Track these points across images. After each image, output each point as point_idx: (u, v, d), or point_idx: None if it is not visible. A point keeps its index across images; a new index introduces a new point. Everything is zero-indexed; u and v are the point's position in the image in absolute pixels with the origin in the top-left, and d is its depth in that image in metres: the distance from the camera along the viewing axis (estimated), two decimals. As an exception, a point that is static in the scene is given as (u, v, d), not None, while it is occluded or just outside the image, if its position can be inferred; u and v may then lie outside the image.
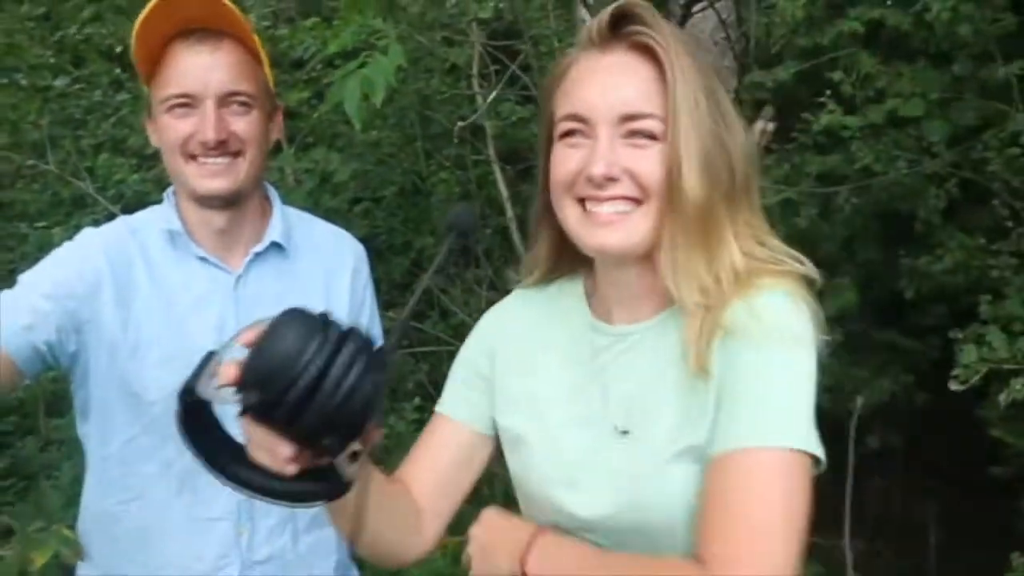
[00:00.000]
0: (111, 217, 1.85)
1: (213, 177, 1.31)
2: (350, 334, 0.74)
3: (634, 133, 0.93)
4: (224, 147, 1.31)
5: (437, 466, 1.10)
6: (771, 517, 0.87)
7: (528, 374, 1.09)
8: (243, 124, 1.32)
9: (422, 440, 1.14)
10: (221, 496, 1.34)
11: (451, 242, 0.95)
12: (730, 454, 0.91)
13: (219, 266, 1.38)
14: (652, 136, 0.93)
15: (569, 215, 0.98)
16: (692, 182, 0.91)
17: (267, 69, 1.40)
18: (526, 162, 4.44)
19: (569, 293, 1.10)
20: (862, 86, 3.66)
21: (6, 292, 1.31)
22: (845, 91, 3.63)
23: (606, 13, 0.95)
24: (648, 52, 0.94)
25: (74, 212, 4.38)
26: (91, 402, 1.37)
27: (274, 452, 0.77)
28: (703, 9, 2.57)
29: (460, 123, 3.06)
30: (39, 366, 1.29)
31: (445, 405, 1.15)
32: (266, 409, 0.72)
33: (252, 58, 1.36)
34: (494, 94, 2.86)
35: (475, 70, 3.57)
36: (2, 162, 4.07)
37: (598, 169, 0.92)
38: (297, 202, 3.80)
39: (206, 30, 1.30)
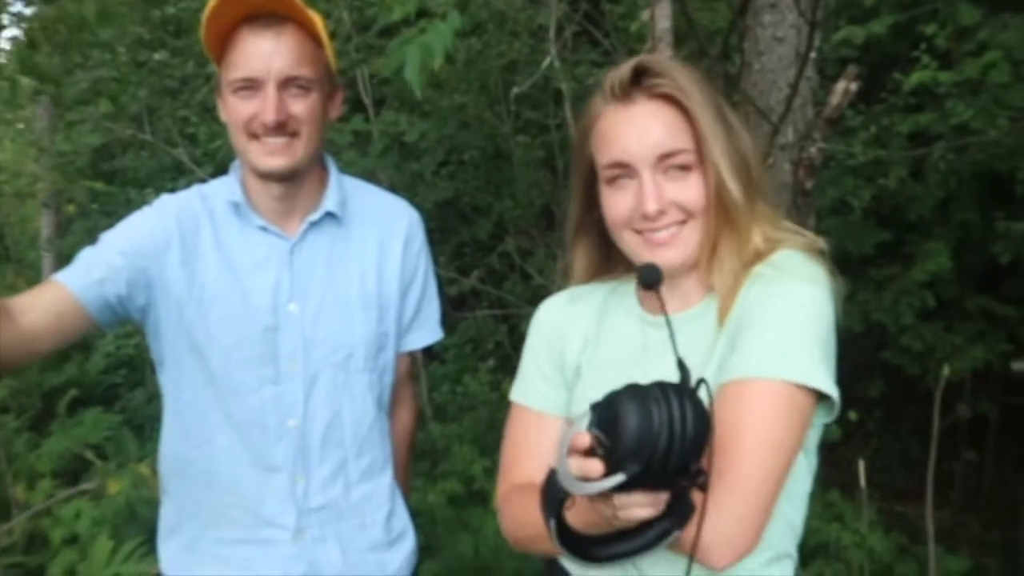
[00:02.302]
0: (204, 181, 1.96)
1: (272, 155, 1.39)
2: (667, 385, 0.84)
3: (671, 168, 1.07)
4: (283, 128, 1.38)
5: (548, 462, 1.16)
6: (755, 442, 0.95)
7: (592, 367, 1.20)
8: (301, 106, 1.39)
9: (524, 439, 1.23)
10: (279, 447, 1.45)
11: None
12: (730, 384, 1.00)
13: (277, 234, 1.47)
14: (686, 167, 1.08)
15: (630, 243, 1.12)
16: (737, 193, 1.07)
17: (328, 52, 1.46)
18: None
19: (622, 292, 1.23)
20: (959, 39, 3.48)
21: (87, 248, 1.44)
22: (939, 45, 3.46)
23: (626, 69, 1.09)
24: (668, 98, 1.08)
25: (179, 177, 4.63)
26: (164, 354, 1.49)
27: (644, 506, 0.86)
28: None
29: (515, 88, 3.05)
30: (111, 317, 1.42)
31: (531, 398, 1.24)
32: (646, 473, 0.82)
33: (314, 42, 1.42)
34: (554, 52, 2.80)
35: (552, 33, 3.56)
36: (107, 133, 4.31)
37: (650, 207, 1.07)
38: (375, 162, 3.93)
39: (271, 15, 1.37)
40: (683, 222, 1.08)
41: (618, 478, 0.82)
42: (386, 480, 1.55)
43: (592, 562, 0.99)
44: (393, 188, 3.68)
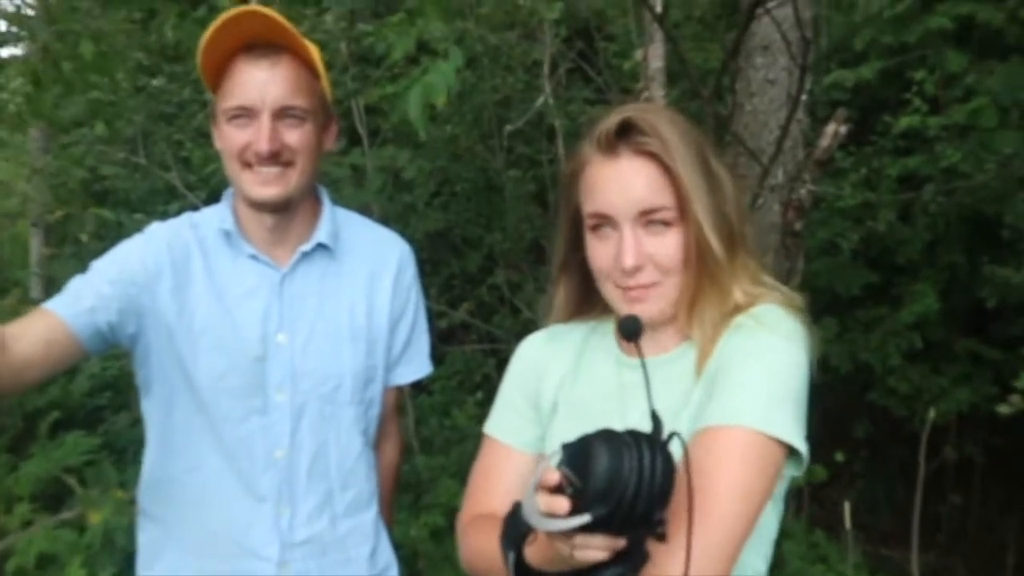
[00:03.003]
0: (196, 207, 1.96)
1: (265, 185, 1.40)
2: (639, 434, 0.85)
3: (652, 223, 1.09)
4: (277, 158, 1.39)
5: (512, 496, 1.15)
6: (726, 487, 0.96)
7: (567, 405, 1.21)
8: (296, 136, 1.40)
9: (491, 470, 1.24)
10: (265, 477, 1.44)
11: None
12: (703, 431, 1.01)
13: (268, 263, 1.47)
14: (667, 223, 1.09)
15: (611, 294, 1.14)
16: (718, 248, 1.08)
17: (324, 82, 1.48)
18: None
19: (601, 332, 1.24)
20: (947, 85, 3.53)
21: (78, 277, 1.43)
22: (928, 90, 3.51)
23: (612, 123, 1.10)
24: (653, 156, 1.09)
25: (171, 201, 4.63)
26: (152, 380, 1.48)
27: (601, 549, 0.87)
28: (777, 7, 2.53)
29: (509, 126, 3.08)
30: (101, 344, 1.41)
31: (503, 432, 1.25)
32: (611, 517, 0.83)
33: (309, 72, 1.43)
34: (548, 90, 2.84)
35: (546, 70, 3.60)
36: (101, 155, 4.31)
37: (628, 262, 1.08)
38: (372, 197, 3.95)
39: (267, 45, 1.39)
40: (658, 280, 1.10)
41: (584, 519, 0.83)
42: (371, 515, 1.54)
43: None
44: (385, 219, 3.70)
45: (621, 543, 0.87)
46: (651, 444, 0.84)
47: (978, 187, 3.54)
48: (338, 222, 1.53)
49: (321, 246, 1.48)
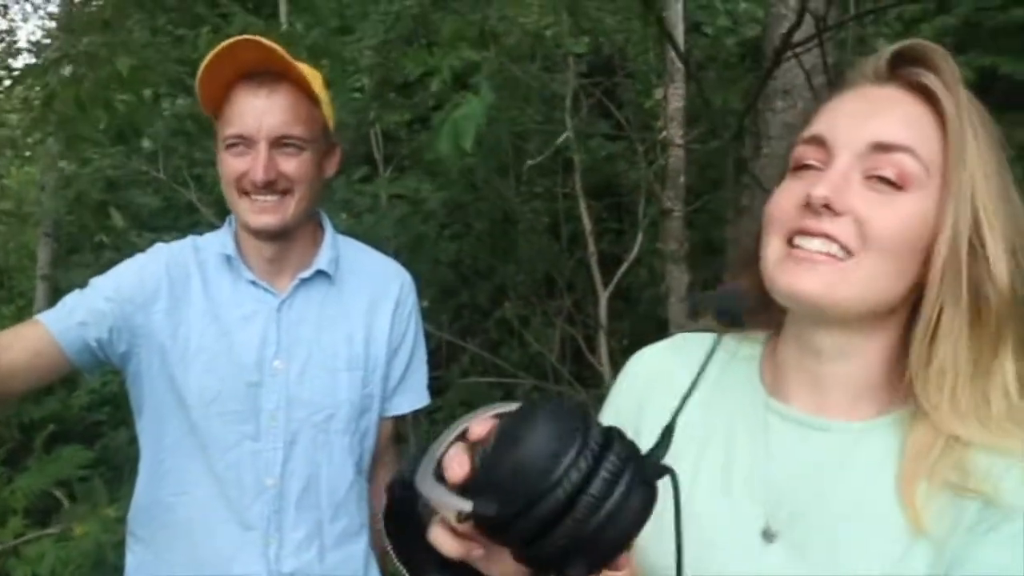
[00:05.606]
0: (211, 223, 1.94)
1: (262, 213, 1.38)
2: (614, 439, 0.60)
3: (880, 179, 0.73)
4: (273, 186, 1.38)
5: None
6: None
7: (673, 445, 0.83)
8: (293, 165, 1.37)
9: None
10: (255, 505, 1.41)
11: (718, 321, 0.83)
12: None
13: (267, 289, 1.45)
14: (900, 184, 0.73)
15: (770, 254, 0.77)
16: (999, 256, 0.71)
17: (326, 110, 1.46)
18: (613, 197, 4.43)
19: (747, 357, 0.88)
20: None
21: (76, 291, 1.43)
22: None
23: (888, 50, 0.79)
24: (927, 95, 0.75)
25: (181, 216, 4.62)
26: (144, 400, 1.46)
27: (455, 547, 0.62)
28: (802, 52, 2.51)
29: (530, 161, 3.07)
30: (90, 360, 1.39)
31: None
32: (502, 523, 0.58)
33: (309, 100, 1.42)
34: (570, 124, 2.82)
35: (568, 103, 3.59)
36: (119, 168, 4.33)
37: (819, 191, 0.73)
38: (387, 227, 3.92)
39: (266, 73, 1.38)
40: (854, 250, 0.73)
41: (459, 503, 0.59)
42: (361, 546, 1.50)
43: None
44: (398, 249, 3.68)
45: (481, 552, 0.61)
46: (628, 456, 0.59)
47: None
48: (339, 249, 1.51)
49: (321, 273, 1.46)
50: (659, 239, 3.56)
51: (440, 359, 4.07)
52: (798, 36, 2.21)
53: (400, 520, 0.69)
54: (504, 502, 0.57)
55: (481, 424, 0.62)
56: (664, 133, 3.33)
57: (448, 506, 0.59)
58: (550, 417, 0.59)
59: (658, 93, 3.52)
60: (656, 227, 3.70)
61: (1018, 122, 3.46)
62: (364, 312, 1.48)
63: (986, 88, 3.67)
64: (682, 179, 3.41)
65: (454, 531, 0.60)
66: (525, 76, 3.69)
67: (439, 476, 0.61)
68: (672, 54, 2.82)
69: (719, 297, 0.79)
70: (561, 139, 3.27)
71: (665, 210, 3.40)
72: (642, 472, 0.59)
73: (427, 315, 3.70)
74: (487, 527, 0.59)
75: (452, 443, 0.63)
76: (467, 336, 4.36)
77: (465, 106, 2.15)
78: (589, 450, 0.58)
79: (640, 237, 3.72)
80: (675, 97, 3.36)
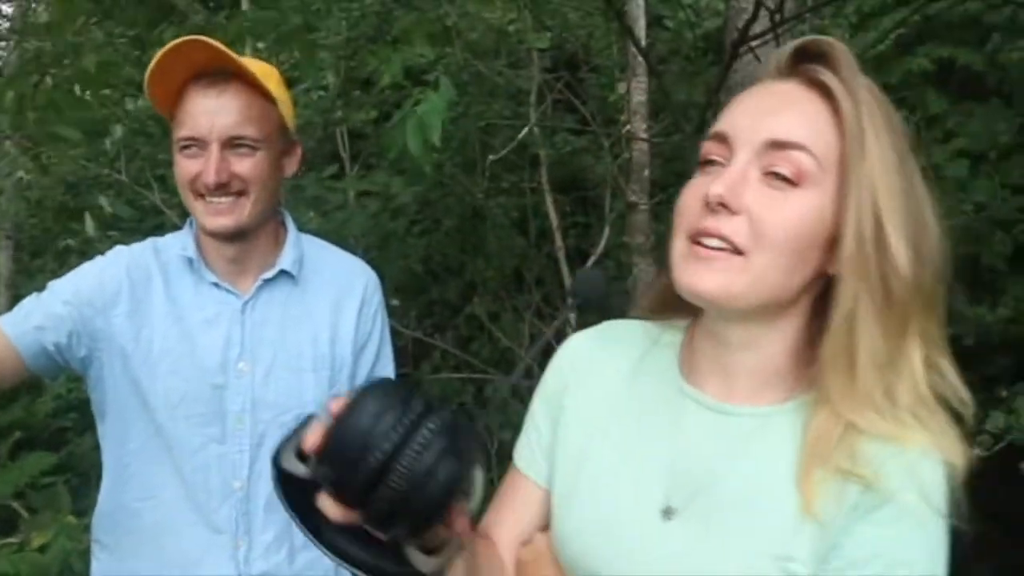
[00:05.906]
0: (175, 225, 1.92)
1: (217, 215, 1.37)
2: (435, 409, 0.66)
3: (776, 175, 0.76)
4: (226, 188, 1.35)
5: (521, 528, 0.96)
6: None
7: (588, 426, 0.92)
8: (247, 166, 1.36)
9: (503, 491, 1.00)
10: (223, 507, 1.40)
11: (572, 306, 0.90)
12: None
13: (230, 291, 1.44)
14: (795, 181, 0.75)
15: (675, 252, 0.80)
16: (901, 250, 0.74)
17: (283, 108, 1.44)
18: (580, 191, 4.45)
19: (669, 344, 0.92)
20: (928, 126, 3.56)
21: (34, 295, 1.41)
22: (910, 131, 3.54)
23: (790, 46, 0.82)
24: (826, 91, 0.78)
25: (145, 218, 4.56)
26: (107, 405, 1.44)
27: (334, 512, 0.69)
28: (759, 46, 2.53)
29: (492, 156, 3.08)
30: (47, 364, 1.37)
31: (520, 458, 0.99)
32: (337, 487, 0.66)
33: (263, 99, 1.40)
34: (534, 119, 2.84)
35: (532, 99, 3.60)
36: (81, 170, 4.26)
37: (715, 189, 0.75)
38: (358, 224, 3.91)
39: (218, 73, 1.36)
40: (747, 249, 0.77)
41: (300, 468, 0.68)
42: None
43: (316, 541, 0.74)
44: (367, 247, 3.66)
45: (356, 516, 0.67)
46: (444, 424, 0.65)
47: (957, 228, 3.55)
48: (303, 248, 1.50)
49: (284, 273, 1.46)
50: (626, 233, 3.58)
51: (408, 357, 4.07)
52: (756, 29, 2.23)
53: (298, 492, 0.73)
54: (335, 468, 0.65)
55: (338, 401, 0.67)
56: (628, 127, 3.34)
57: (298, 473, 0.67)
58: (379, 392, 0.66)
59: (621, 88, 3.53)
60: (623, 221, 3.72)
61: (974, 111, 3.54)
62: (329, 311, 1.48)
63: (944, 79, 3.74)
64: (647, 173, 3.43)
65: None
66: (490, 72, 3.68)
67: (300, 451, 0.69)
68: (634, 49, 2.83)
69: (576, 281, 0.82)
70: (523, 133, 3.28)
71: (631, 204, 3.42)
72: (456, 443, 0.65)
73: (396, 313, 3.71)
74: (333, 492, 0.66)
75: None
76: (437, 333, 4.36)
77: (426, 102, 2.15)
78: (407, 419, 0.64)
79: (607, 231, 3.74)
80: (638, 91, 3.38)
